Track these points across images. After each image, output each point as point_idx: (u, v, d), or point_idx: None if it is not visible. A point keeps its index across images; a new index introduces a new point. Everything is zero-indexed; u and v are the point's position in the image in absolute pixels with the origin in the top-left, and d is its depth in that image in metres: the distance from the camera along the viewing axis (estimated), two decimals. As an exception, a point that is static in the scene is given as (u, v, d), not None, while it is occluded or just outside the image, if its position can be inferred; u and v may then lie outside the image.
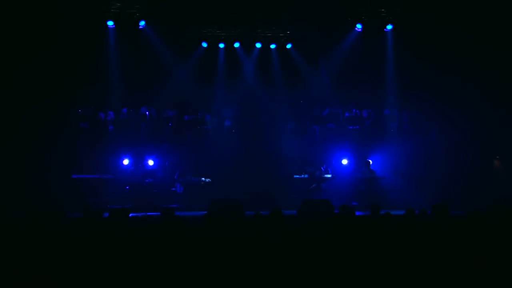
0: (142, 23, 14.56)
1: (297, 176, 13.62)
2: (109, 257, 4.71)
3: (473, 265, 4.65)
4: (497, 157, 14.37)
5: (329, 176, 13.54)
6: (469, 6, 13.15)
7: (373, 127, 14.79)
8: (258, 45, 15.55)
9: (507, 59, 13.20)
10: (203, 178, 13.28)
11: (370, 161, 13.60)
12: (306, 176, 13.56)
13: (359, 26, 14.99)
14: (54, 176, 12.29)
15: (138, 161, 13.66)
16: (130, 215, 7.80)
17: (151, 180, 13.17)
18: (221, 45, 15.52)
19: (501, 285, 4.52)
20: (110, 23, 14.40)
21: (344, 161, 13.99)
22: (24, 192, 11.58)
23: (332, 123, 15.01)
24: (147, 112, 14.74)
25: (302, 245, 4.87)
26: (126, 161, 13.56)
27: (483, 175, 13.59)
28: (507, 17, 12.88)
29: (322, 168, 13.64)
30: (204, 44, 15.43)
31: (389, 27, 14.99)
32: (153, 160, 13.68)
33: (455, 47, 13.54)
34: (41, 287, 4.43)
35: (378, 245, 5.01)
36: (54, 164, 12.50)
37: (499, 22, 12.99)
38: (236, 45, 15.53)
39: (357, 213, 8.70)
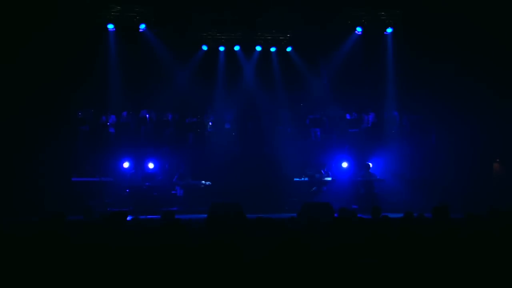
0: (143, 26, 14.63)
1: (297, 179, 13.58)
2: (108, 261, 4.65)
3: (473, 269, 4.62)
4: (497, 160, 14.39)
5: (329, 179, 13.53)
6: (470, 9, 13.14)
7: (373, 130, 14.79)
8: (258, 48, 15.64)
9: (507, 64, 13.21)
10: (203, 181, 13.23)
11: (370, 164, 13.59)
12: (306, 179, 13.54)
13: (359, 29, 15.08)
14: (54, 179, 12.29)
15: (138, 164, 13.65)
16: (129, 218, 7.77)
17: (151, 183, 13.13)
18: (221, 48, 15.60)
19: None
20: (110, 26, 14.47)
21: (344, 164, 13.97)
22: (24, 195, 11.56)
23: (332, 126, 15.03)
24: (147, 115, 14.74)
25: (304, 251, 4.76)
26: (126, 164, 13.55)
27: (483, 178, 13.62)
28: (509, 22, 12.89)
29: (322, 171, 13.62)
30: (204, 47, 15.51)
31: (389, 30, 15.09)
32: (153, 163, 13.66)
33: (456, 50, 13.54)
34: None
35: (379, 248, 4.96)
36: (54, 167, 12.47)
37: (502, 26, 12.97)
38: (236, 48, 15.61)
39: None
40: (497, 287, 4.45)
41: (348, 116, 15.02)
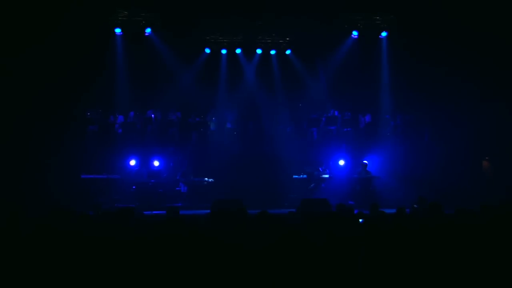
0: (148, 30, 15.01)
1: (296, 176, 13.85)
2: (114, 255, 4.89)
3: (466, 264, 4.87)
4: (486, 158, 14.70)
5: (326, 176, 13.80)
6: (463, 13, 13.43)
7: (369, 130, 15.07)
8: (259, 51, 16.01)
9: (495, 66, 13.57)
10: (206, 178, 13.49)
11: (366, 162, 13.85)
12: (305, 176, 13.81)
13: (355, 33, 15.43)
14: (64, 176, 12.53)
15: (144, 162, 13.93)
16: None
17: (156, 180, 13.39)
18: (224, 51, 15.95)
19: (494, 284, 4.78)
20: (117, 30, 14.86)
21: (341, 162, 14.23)
22: (35, 192, 11.76)
23: (330, 126, 15.29)
24: (152, 115, 15.03)
25: (302, 243, 5.02)
26: (132, 162, 13.84)
27: (473, 175, 13.93)
28: (501, 24, 13.19)
29: (320, 168, 13.92)
30: (207, 50, 15.89)
31: (383, 34, 15.46)
32: (158, 161, 13.95)
33: (447, 53, 13.87)
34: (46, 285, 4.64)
35: (377, 243, 5.20)
36: (64, 165, 12.73)
37: (491, 31, 13.27)
38: (238, 51, 15.97)
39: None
40: (486, 275, 4.79)
41: (344, 116, 15.27)
